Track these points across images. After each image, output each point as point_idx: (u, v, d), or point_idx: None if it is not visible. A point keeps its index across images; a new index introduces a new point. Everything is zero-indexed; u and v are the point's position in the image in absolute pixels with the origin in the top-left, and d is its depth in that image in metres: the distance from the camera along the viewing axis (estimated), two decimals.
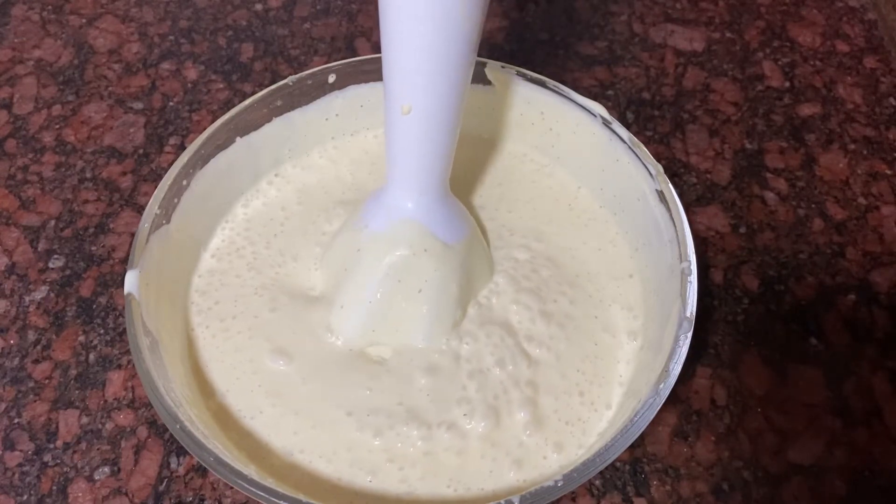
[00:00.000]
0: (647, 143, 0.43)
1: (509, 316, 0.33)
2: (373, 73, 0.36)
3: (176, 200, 0.32)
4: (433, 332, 0.31)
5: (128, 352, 0.35)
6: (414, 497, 0.28)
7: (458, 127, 0.28)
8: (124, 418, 0.34)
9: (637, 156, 0.33)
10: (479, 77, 0.36)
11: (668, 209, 0.31)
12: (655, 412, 0.26)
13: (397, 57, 0.25)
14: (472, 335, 0.32)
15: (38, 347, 0.36)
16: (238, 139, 0.34)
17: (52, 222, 0.40)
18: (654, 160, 0.32)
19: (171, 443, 0.33)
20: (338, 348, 0.32)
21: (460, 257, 0.31)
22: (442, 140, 0.28)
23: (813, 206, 0.41)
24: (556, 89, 0.35)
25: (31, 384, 0.35)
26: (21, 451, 0.33)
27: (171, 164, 0.32)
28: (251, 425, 0.30)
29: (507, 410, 0.30)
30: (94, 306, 0.37)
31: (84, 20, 0.50)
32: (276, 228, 0.35)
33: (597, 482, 0.33)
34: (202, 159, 0.33)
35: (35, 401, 0.34)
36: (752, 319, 0.37)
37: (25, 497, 0.32)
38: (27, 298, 0.37)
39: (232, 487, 0.27)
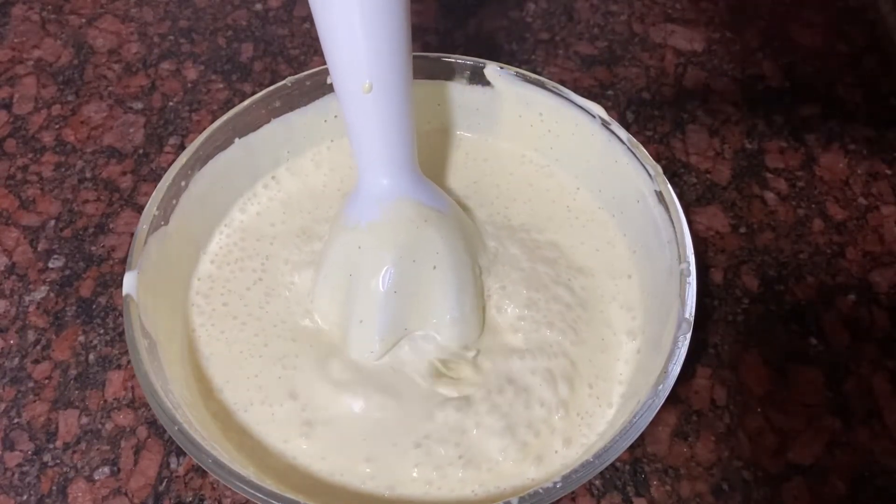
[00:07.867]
0: (646, 143, 0.43)
1: (545, 284, 0.33)
2: None
3: (174, 202, 0.32)
4: (463, 300, 0.31)
5: (127, 352, 0.35)
6: (433, 497, 0.28)
7: (412, 95, 0.28)
8: (124, 418, 0.34)
9: (636, 157, 0.33)
10: (479, 78, 0.36)
11: (668, 210, 0.31)
12: (654, 413, 0.26)
13: (352, 37, 0.25)
14: (532, 304, 0.32)
15: (38, 347, 0.36)
16: (237, 140, 0.34)
17: (52, 222, 0.40)
18: (654, 161, 0.32)
19: (171, 443, 0.33)
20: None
21: (456, 222, 0.32)
22: (405, 110, 0.28)
23: (813, 206, 0.41)
24: (555, 90, 0.35)
25: (31, 384, 0.35)
26: (21, 451, 0.33)
27: (170, 165, 0.32)
28: (244, 418, 0.30)
29: (545, 395, 0.30)
30: (94, 306, 0.37)
31: (84, 20, 0.50)
32: (273, 234, 0.35)
33: (597, 482, 0.32)
34: (200, 161, 0.33)
35: (35, 401, 0.34)
36: (752, 319, 0.37)
37: (25, 497, 0.32)
38: (27, 298, 0.37)
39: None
